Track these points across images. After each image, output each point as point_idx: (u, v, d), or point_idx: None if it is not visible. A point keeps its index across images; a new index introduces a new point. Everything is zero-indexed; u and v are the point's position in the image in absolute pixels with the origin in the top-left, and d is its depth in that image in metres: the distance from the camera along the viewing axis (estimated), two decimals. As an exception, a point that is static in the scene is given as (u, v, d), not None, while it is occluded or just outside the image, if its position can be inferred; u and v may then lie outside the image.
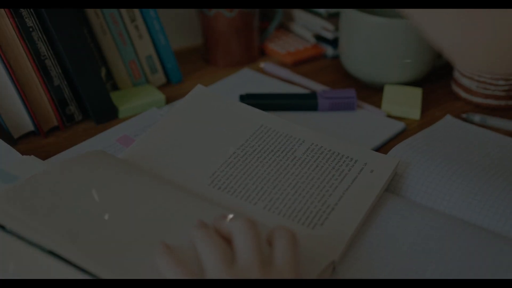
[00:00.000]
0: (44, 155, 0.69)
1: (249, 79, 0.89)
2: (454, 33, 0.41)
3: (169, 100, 0.83)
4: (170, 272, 0.46)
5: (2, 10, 0.69)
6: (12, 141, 0.72)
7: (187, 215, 0.54)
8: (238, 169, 0.63)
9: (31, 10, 0.71)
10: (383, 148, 0.73)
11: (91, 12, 0.79)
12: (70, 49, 0.73)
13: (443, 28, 0.42)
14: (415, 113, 0.80)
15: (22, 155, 0.65)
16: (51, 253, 0.50)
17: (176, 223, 0.53)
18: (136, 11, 0.82)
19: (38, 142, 0.73)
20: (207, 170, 0.63)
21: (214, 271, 0.45)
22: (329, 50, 0.98)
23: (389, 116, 0.80)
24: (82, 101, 0.77)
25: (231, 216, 0.51)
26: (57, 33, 0.71)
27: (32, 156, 0.64)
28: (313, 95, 0.81)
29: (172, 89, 0.87)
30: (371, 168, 0.64)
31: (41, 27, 0.72)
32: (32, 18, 0.71)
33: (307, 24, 1.01)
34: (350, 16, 0.84)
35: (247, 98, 0.80)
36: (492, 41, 0.40)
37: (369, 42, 0.83)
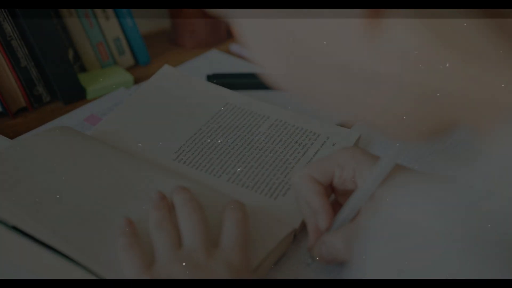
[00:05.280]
0: (12, 135, 0.70)
1: (216, 60, 0.91)
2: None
3: (137, 81, 0.84)
4: (123, 253, 0.47)
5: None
6: (-20, 122, 0.73)
7: (151, 187, 0.55)
8: (203, 144, 0.65)
9: (-4, -9, 0.71)
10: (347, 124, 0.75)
11: (57, -6, 0.80)
12: (36, 30, 0.73)
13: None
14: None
15: (-11, 134, 0.65)
16: (15, 228, 0.50)
17: (140, 195, 0.54)
18: (103, -7, 0.83)
19: (6, 122, 0.74)
20: (172, 146, 0.64)
21: (163, 254, 0.47)
22: (296, 32, 0.99)
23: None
24: (50, 82, 0.77)
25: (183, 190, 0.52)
26: (23, 14, 0.72)
27: (-1, 134, 0.65)
28: (278, 74, 0.82)
29: (140, 70, 0.88)
30: (333, 141, 0.66)
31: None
32: (-3, -1, 0.71)
33: (274, 6, 1.02)
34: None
35: (214, 78, 0.81)
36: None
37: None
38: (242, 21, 0.33)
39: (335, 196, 0.55)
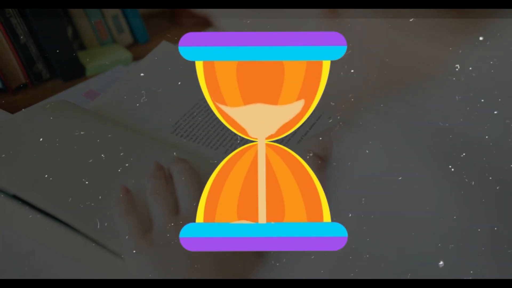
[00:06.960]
0: (12, 111, 0.70)
1: (215, 39, 0.91)
2: None
3: (135, 59, 0.84)
4: (120, 219, 0.48)
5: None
6: (-20, 99, 0.74)
7: (148, 159, 0.56)
8: (200, 118, 0.65)
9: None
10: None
11: (56, -28, 0.80)
12: (35, 8, 0.74)
13: None
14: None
15: (-11, 110, 0.66)
16: (15, 197, 0.51)
17: (137, 166, 0.55)
18: (101, -29, 0.83)
19: (6, 98, 0.75)
20: (170, 120, 0.65)
21: (160, 220, 0.48)
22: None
23: (349, 70, 0.82)
24: (49, 59, 0.78)
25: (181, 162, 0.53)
26: (22, -9, 0.73)
27: (-1, 109, 0.66)
28: (276, 52, 0.83)
29: (139, 48, 0.88)
30: (329, 115, 0.66)
31: (6, -14, 0.73)
32: (-4, -24, 0.72)
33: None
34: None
35: (212, 55, 0.82)
36: None
37: None
38: (221, 21, 0.35)
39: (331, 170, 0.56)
